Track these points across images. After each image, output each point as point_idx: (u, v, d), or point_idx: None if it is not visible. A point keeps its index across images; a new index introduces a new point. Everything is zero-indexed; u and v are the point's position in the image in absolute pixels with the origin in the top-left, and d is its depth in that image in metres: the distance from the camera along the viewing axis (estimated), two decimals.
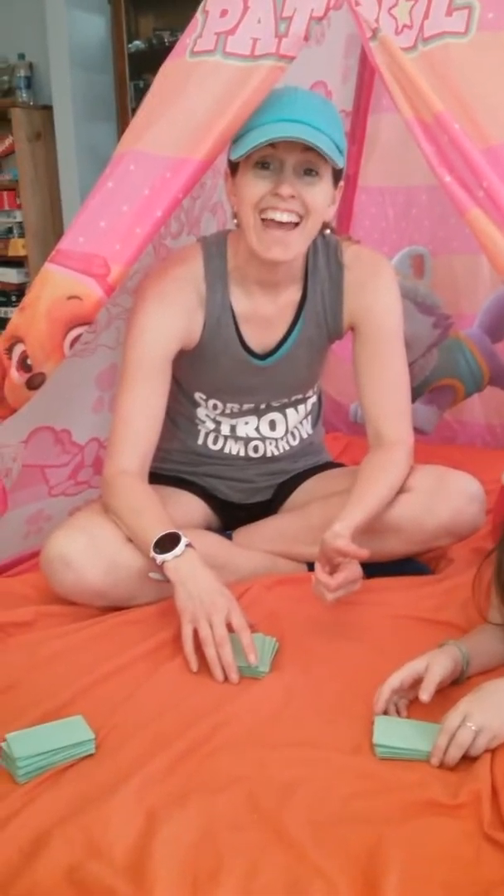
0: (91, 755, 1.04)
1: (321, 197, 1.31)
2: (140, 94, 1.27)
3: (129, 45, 3.74)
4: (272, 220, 1.30)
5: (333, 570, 1.26)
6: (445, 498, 1.44)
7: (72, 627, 1.33)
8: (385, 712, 1.08)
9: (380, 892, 0.79)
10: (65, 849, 0.88)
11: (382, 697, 1.07)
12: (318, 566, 1.27)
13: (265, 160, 1.28)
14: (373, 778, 0.97)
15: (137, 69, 3.76)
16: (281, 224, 1.30)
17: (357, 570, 1.25)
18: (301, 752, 1.03)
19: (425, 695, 1.05)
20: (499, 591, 1.17)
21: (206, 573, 1.27)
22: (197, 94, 1.30)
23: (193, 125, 1.30)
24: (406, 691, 1.09)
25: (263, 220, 1.30)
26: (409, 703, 1.11)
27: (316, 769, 0.99)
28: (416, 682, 1.08)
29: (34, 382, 1.39)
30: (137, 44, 3.76)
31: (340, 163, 1.31)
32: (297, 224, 1.31)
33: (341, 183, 1.36)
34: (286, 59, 1.26)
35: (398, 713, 1.09)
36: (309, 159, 1.27)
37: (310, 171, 1.29)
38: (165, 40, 3.62)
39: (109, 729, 1.08)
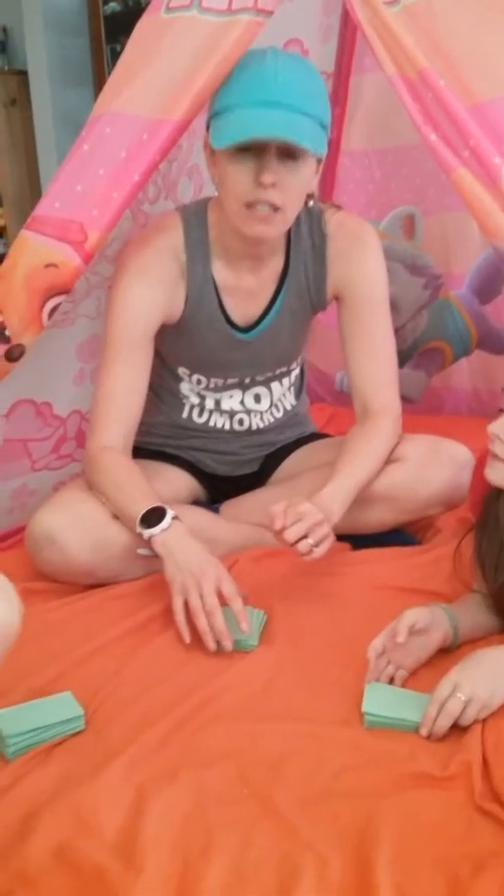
0: (80, 731, 1.03)
1: (304, 179, 1.27)
2: (116, 57, 1.25)
3: (105, 8, 3.66)
4: (257, 202, 1.26)
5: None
6: (438, 466, 1.43)
7: (58, 603, 1.32)
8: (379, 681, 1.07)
9: (371, 866, 0.79)
10: (54, 827, 0.87)
11: (371, 665, 1.06)
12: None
13: (245, 144, 1.23)
14: (363, 751, 0.97)
15: (114, 32, 3.67)
16: (265, 202, 1.26)
17: (315, 517, 1.23)
18: (291, 726, 1.02)
19: (400, 637, 1.05)
20: (479, 569, 1.16)
21: (193, 544, 1.25)
22: (173, 52, 1.26)
23: (170, 84, 1.26)
24: (394, 653, 1.08)
25: (247, 204, 1.27)
26: (410, 675, 1.10)
27: (306, 743, 0.99)
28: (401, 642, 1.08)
29: (13, 354, 1.35)
30: (113, 6, 3.68)
31: (324, 146, 1.26)
32: (278, 209, 1.27)
33: (324, 153, 1.32)
34: (264, 13, 1.22)
35: (393, 684, 1.09)
36: (291, 143, 1.22)
37: (292, 154, 1.23)
38: (142, 1, 3.54)
39: (98, 705, 1.08)
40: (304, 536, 1.22)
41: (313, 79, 1.27)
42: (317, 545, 1.23)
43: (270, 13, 1.23)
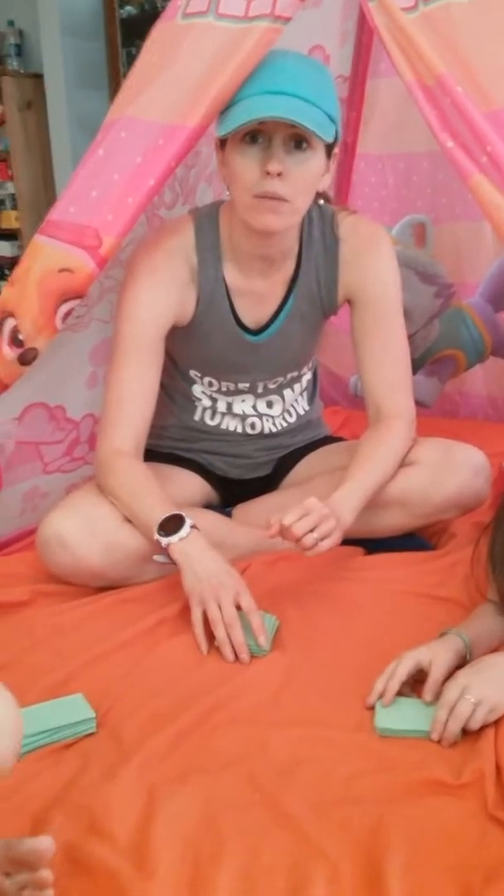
0: (92, 734, 1.03)
1: (312, 171, 1.27)
2: (132, 60, 1.25)
3: (121, 11, 3.67)
4: (263, 196, 1.26)
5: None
6: (452, 470, 1.43)
7: (69, 605, 1.32)
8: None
9: (383, 873, 0.79)
10: (66, 829, 0.87)
11: (391, 691, 1.05)
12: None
13: (253, 133, 1.23)
14: (375, 757, 0.96)
15: (129, 35, 3.68)
16: (272, 198, 1.26)
17: (322, 511, 1.21)
18: (303, 731, 1.02)
19: (429, 696, 1.04)
20: (492, 570, 1.15)
21: (212, 554, 1.25)
22: (189, 58, 1.27)
23: (186, 90, 1.26)
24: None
25: (255, 195, 1.26)
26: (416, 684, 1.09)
27: (318, 748, 0.99)
28: (420, 672, 1.07)
29: (26, 358, 1.36)
30: (129, 9, 3.69)
31: (331, 135, 1.25)
32: (287, 200, 1.26)
33: (336, 151, 1.31)
34: (281, 20, 1.22)
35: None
36: (298, 132, 1.22)
37: (300, 144, 1.24)
38: (158, 5, 3.55)
39: (109, 707, 1.08)
40: (311, 530, 1.21)
41: (321, 74, 1.27)
42: (322, 539, 1.22)
43: (288, 19, 1.23)
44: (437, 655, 1.07)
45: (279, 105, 1.19)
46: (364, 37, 1.91)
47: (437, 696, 1.02)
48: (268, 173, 1.23)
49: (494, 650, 1.07)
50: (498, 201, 1.03)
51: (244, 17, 1.24)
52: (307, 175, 1.26)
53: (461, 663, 1.09)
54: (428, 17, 1.11)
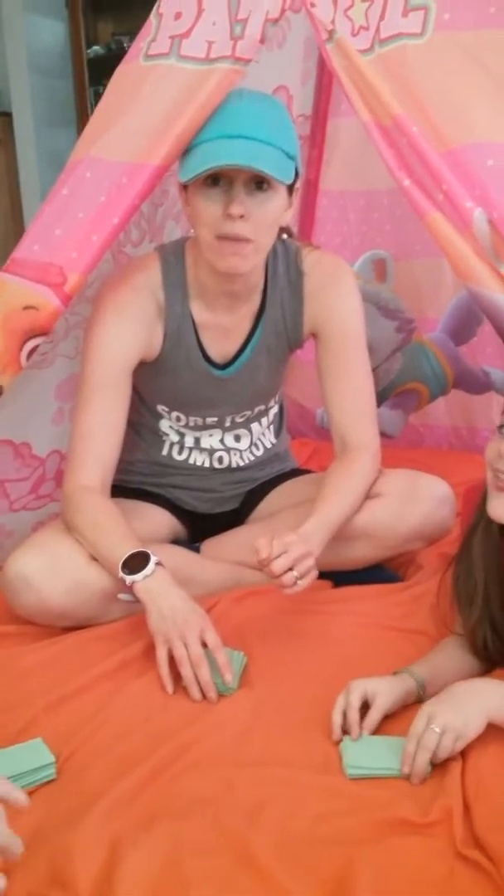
0: (52, 780, 1.01)
1: (274, 210, 1.28)
2: (100, 99, 1.28)
3: (89, 51, 3.72)
4: (226, 238, 1.27)
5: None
6: (417, 501, 1.43)
7: (32, 647, 1.29)
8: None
9: None
10: (27, 881, 0.85)
11: (354, 723, 1.05)
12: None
13: (214, 177, 1.24)
14: (343, 797, 0.95)
15: (97, 74, 3.73)
16: (236, 240, 1.27)
17: (301, 549, 1.21)
18: (270, 771, 1.01)
19: (366, 729, 1.04)
20: (457, 603, 1.16)
21: (177, 592, 1.24)
22: (152, 99, 1.28)
23: (149, 130, 1.27)
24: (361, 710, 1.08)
25: (218, 237, 1.28)
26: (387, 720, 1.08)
27: (285, 789, 0.97)
28: (366, 704, 1.07)
29: None
30: (97, 49, 3.74)
31: (290, 175, 1.27)
32: (251, 240, 1.28)
33: (297, 186, 1.33)
34: (242, 61, 1.24)
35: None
36: (258, 174, 1.23)
37: (261, 185, 1.25)
38: (125, 45, 3.61)
39: (73, 751, 1.05)
40: (290, 569, 1.21)
41: (278, 112, 1.29)
42: (301, 577, 1.22)
43: (248, 61, 1.26)
44: (382, 689, 1.07)
45: (237, 150, 1.21)
46: (324, 77, 1.95)
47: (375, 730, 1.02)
48: (230, 215, 1.24)
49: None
50: (454, 238, 1.05)
51: (206, 59, 1.26)
52: (269, 215, 1.28)
53: (413, 701, 1.09)
54: (384, 59, 1.14)
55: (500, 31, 1.07)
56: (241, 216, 1.24)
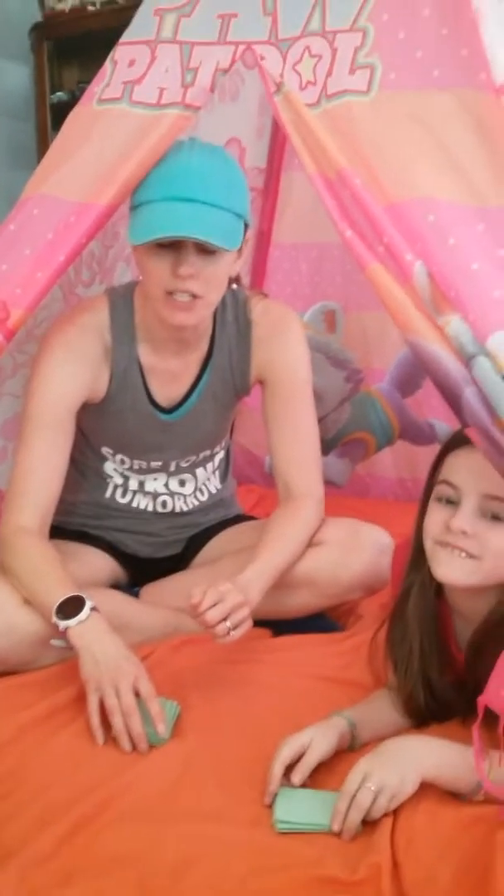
0: None
1: (223, 268, 1.29)
2: None
3: (52, 96, 3.75)
4: (175, 292, 1.28)
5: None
6: (358, 550, 1.43)
7: None
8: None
9: None
10: None
11: (275, 778, 1.02)
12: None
13: (161, 241, 1.25)
14: (270, 854, 0.92)
15: (60, 120, 3.74)
16: (184, 293, 1.28)
17: (236, 598, 1.20)
18: (197, 827, 0.97)
19: (297, 777, 1.02)
20: (392, 668, 1.15)
21: (111, 638, 1.21)
22: (102, 141, 1.29)
23: (98, 171, 1.28)
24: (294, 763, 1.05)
25: (167, 291, 1.28)
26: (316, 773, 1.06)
27: (211, 846, 0.93)
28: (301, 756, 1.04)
29: None
30: (60, 94, 3.77)
31: (238, 240, 1.28)
32: (200, 296, 1.29)
33: (247, 237, 1.34)
34: (192, 108, 1.26)
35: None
36: (201, 242, 1.23)
37: (209, 249, 1.25)
38: None
39: None
40: (224, 619, 1.19)
41: (227, 168, 1.30)
42: (234, 628, 1.20)
43: (198, 108, 1.28)
44: (315, 738, 1.04)
45: (185, 217, 1.21)
46: (279, 131, 1.99)
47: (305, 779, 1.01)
48: (179, 276, 1.25)
49: (386, 738, 1.05)
50: (394, 289, 1.07)
51: (156, 104, 1.28)
52: (218, 273, 1.29)
53: (344, 744, 1.07)
54: (330, 114, 1.16)
55: (442, 93, 1.10)
56: (192, 276, 1.25)
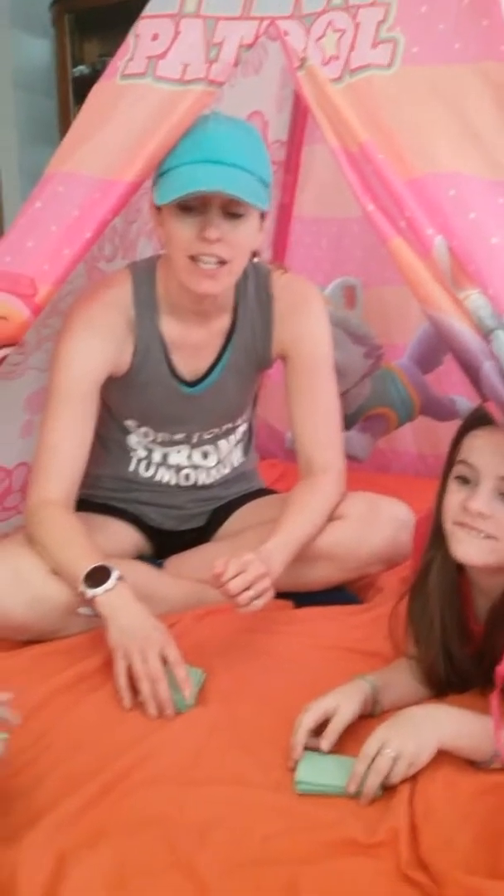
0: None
1: (248, 234, 1.30)
2: None
3: (74, 70, 3.74)
4: (200, 256, 1.29)
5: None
6: (378, 525, 1.44)
7: None
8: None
9: None
10: None
11: (298, 744, 1.04)
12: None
13: (188, 203, 1.26)
14: (291, 816, 0.95)
15: (82, 94, 3.73)
16: (210, 257, 1.29)
17: (258, 569, 1.22)
18: (221, 790, 1.00)
19: (325, 744, 1.04)
20: (413, 640, 1.16)
21: (138, 607, 1.23)
22: (127, 117, 1.30)
23: (123, 147, 1.29)
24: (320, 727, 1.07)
25: (192, 257, 1.29)
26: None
27: (235, 807, 0.96)
28: (328, 720, 1.06)
29: None
30: (82, 68, 3.76)
31: (265, 202, 1.29)
32: (225, 262, 1.30)
33: (267, 210, 1.35)
34: (216, 84, 1.26)
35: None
36: (233, 200, 1.25)
37: (235, 210, 1.27)
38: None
39: (24, 765, 1.04)
40: (247, 588, 1.21)
41: (252, 139, 1.31)
42: (256, 598, 1.22)
43: (222, 84, 1.28)
44: (342, 704, 1.06)
45: (216, 176, 1.23)
46: (300, 104, 1.98)
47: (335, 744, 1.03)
48: (205, 239, 1.25)
49: (405, 706, 1.07)
50: (415, 264, 1.07)
51: (181, 80, 1.28)
52: (243, 238, 1.30)
53: (367, 708, 1.09)
54: (353, 88, 1.16)
55: (463, 66, 1.10)
56: (218, 239, 1.25)
